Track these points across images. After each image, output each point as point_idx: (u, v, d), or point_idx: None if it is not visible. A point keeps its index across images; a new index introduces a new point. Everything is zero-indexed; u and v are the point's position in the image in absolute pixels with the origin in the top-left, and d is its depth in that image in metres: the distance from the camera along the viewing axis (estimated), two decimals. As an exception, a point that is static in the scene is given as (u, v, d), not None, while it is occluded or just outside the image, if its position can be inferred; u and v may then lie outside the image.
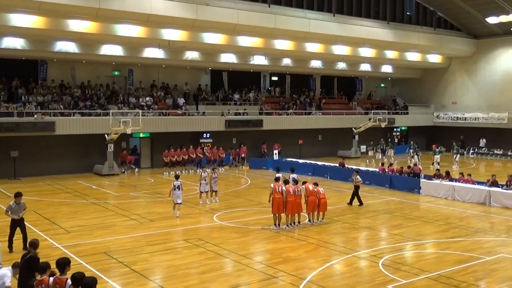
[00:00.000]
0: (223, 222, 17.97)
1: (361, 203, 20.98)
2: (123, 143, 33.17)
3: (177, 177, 19.53)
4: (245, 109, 38.83)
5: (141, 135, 34.03)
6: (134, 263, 13.08)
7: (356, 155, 41.15)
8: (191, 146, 33.02)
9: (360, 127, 40.73)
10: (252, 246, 14.99)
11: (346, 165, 29.29)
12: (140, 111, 31.50)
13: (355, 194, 21.10)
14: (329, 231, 16.80)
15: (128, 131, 29.67)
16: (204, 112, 36.43)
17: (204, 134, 35.77)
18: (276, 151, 36.21)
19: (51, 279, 7.61)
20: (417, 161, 34.30)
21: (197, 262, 13.18)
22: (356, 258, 13.71)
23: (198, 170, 32.34)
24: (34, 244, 9.39)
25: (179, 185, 19.01)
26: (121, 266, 12.84)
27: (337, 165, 30.12)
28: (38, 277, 7.89)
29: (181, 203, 19.02)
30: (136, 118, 30.46)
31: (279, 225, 16.92)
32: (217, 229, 16.99)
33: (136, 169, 31.82)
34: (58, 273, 7.79)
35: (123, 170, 31.59)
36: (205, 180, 21.08)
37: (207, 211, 20.07)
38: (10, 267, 9.24)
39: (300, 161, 33.91)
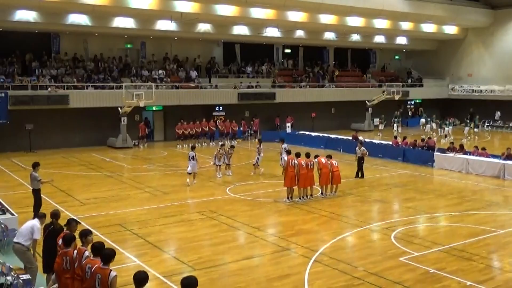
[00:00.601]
0: (236, 195, 18.08)
1: (362, 176, 21.01)
2: (137, 116, 33.28)
3: (193, 148, 20.43)
4: (257, 82, 38.62)
5: (154, 108, 34.08)
6: (148, 234, 13.24)
7: (369, 128, 40.88)
8: (204, 119, 33.04)
9: (373, 100, 40.38)
10: (265, 219, 15.08)
11: (359, 138, 29.17)
12: (153, 84, 31.50)
13: (361, 166, 21.11)
14: (342, 204, 16.85)
15: (141, 104, 29.73)
16: (216, 85, 36.31)
17: (217, 107, 35.72)
18: (289, 124, 36.12)
19: (75, 252, 7.72)
20: (448, 134, 34.44)
21: (210, 234, 13.31)
22: (368, 230, 13.75)
23: (211, 143, 32.47)
24: (56, 215, 9.53)
25: (193, 156, 19.50)
26: (136, 238, 13.01)
27: (350, 138, 30.00)
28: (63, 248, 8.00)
29: (195, 173, 19.60)
30: (149, 91, 30.46)
31: (291, 198, 16.98)
32: (230, 201, 17.10)
33: (141, 146, 31.56)
34: (80, 244, 7.91)
35: (136, 143, 31.74)
36: (221, 156, 21.32)
37: (220, 184, 20.18)
38: (37, 219, 9.40)
39: (313, 134, 33.81)
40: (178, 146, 31.36)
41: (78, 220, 9.41)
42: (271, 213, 15.73)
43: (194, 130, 32.01)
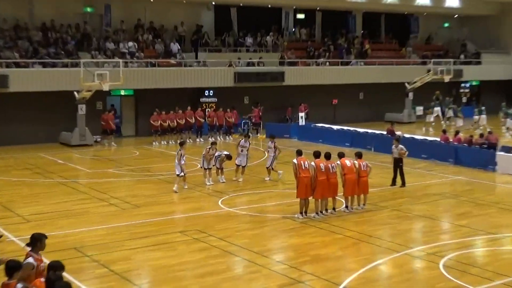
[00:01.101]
0: (231, 208, 18.01)
1: (402, 183, 21.04)
2: (99, 104, 33.27)
3: (181, 144, 20.64)
4: (260, 58, 38.59)
5: (123, 92, 34.04)
6: (114, 262, 13.17)
7: (410, 119, 40.84)
8: (189, 108, 33.02)
9: (415, 82, 40.32)
10: (270, 241, 15.00)
11: (397, 133, 29.10)
12: (120, 60, 31.45)
13: (398, 170, 21.09)
14: (373, 221, 16.79)
15: (105, 88, 29.67)
16: (205, 62, 36.27)
17: (206, 92, 35.70)
18: (302, 114, 36.03)
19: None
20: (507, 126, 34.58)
21: (197, 262, 13.24)
22: (408, 257, 13.68)
23: (197, 139, 32.44)
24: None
25: (181, 155, 20.07)
26: (97, 266, 12.94)
27: (384, 132, 29.91)
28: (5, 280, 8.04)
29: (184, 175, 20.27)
30: (116, 70, 30.40)
31: (306, 213, 16.92)
32: (223, 217, 17.03)
33: (106, 143, 31.46)
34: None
35: (99, 139, 31.65)
36: (211, 157, 21.37)
37: (210, 193, 20.08)
38: None
39: (335, 127, 33.74)
40: (154, 143, 31.31)
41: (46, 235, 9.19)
42: (278, 233, 15.65)
43: (175, 122, 32.00)
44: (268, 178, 22.11)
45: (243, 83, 36.07)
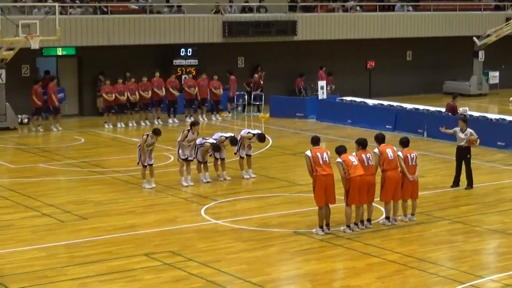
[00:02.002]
0: (219, 220, 18.06)
1: (469, 184, 21.01)
2: (25, 68, 33.30)
3: (156, 132, 21.15)
4: (261, 1, 38.53)
5: (60, 52, 34.06)
6: (50, 298, 13.26)
7: (480, 90, 40.98)
8: (157, 74, 32.93)
9: (488, 36, 40.27)
10: (276, 267, 15.06)
11: (461, 109, 29.08)
12: (56, 4, 31.33)
13: (464, 164, 21.05)
14: (426, 239, 16.85)
15: (34, 44, 29.58)
16: (181, 7, 36.26)
17: (182, 50, 35.77)
18: (323, 84, 35.92)
19: None
20: None
21: (171, 297, 13.33)
22: (477, 290, 13.81)
23: (170, 120, 32.40)
24: None
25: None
26: (26, 304, 13.01)
27: (443, 110, 29.94)
28: None
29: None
30: (50, 19, 30.43)
31: (328, 226, 17.00)
32: (208, 233, 17.08)
33: (39, 127, 31.53)
34: None
35: (26, 120, 31.59)
36: (191, 143, 21.51)
37: (188, 198, 20.16)
38: None
39: (370, 102, 33.80)
40: (106, 125, 31.37)
41: None
42: (288, 256, 15.69)
43: (137, 94, 31.97)
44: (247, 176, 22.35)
45: (236, 38, 36.12)
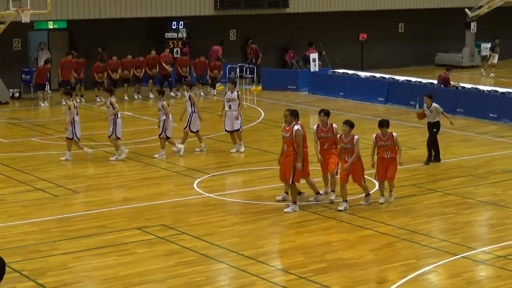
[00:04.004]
0: (212, 194, 18.08)
1: (436, 157, 20.85)
2: (16, 42, 33.20)
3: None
4: (253, -28, 38.39)
5: (51, 25, 33.91)
6: (43, 273, 13.24)
7: (473, 62, 40.99)
8: (153, 52, 32.74)
9: (480, 7, 40.20)
10: (269, 240, 15.14)
11: (453, 83, 29.10)
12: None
13: (431, 138, 20.83)
14: (418, 211, 16.89)
15: (25, 18, 29.43)
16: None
17: (173, 24, 35.67)
18: (314, 56, 35.90)
19: None
20: None
21: (163, 271, 13.36)
22: (469, 261, 13.82)
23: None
24: None
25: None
26: (18, 278, 12.97)
27: (435, 82, 29.97)
28: None
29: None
30: (40, -8, 30.29)
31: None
32: (200, 207, 17.13)
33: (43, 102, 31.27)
34: None
35: (17, 94, 31.49)
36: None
37: (180, 172, 20.19)
38: None
39: (362, 74, 33.80)
40: (98, 98, 31.19)
41: None
42: (281, 228, 15.77)
43: (131, 71, 31.87)
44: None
45: (228, 10, 35.99)
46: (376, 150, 17.19)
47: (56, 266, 13.59)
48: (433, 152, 20.96)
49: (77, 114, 21.29)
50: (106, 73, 31.68)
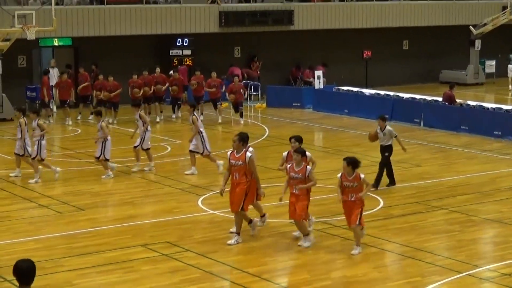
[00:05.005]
0: (216, 211, 18.10)
1: (391, 181, 20.20)
2: (21, 59, 33.31)
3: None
4: (258, -10, 38.55)
5: (56, 42, 34.02)
6: (48, 289, 13.27)
7: (476, 79, 40.94)
8: (158, 70, 32.06)
9: (484, 25, 40.25)
10: (273, 258, 15.11)
11: (459, 100, 29.09)
12: (52, -5, 31.34)
13: (383, 162, 20.15)
14: (423, 228, 16.89)
15: (30, 35, 29.53)
16: (177, -4, 36.23)
17: (179, 40, 35.79)
18: (319, 74, 35.91)
19: None
20: None
21: (168, 288, 13.36)
22: (474, 279, 13.80)
23: (173, 116, 32.01)
24: None
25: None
26: (23, 296, 13.00)
27: (440, 99, 29.98)
28: None
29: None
30: (46, 10, 30.37)
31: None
32: (205, 224, 17.16)
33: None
34: None
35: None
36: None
37: (185, 189, 20.23)
38: None
39: (367, 91, 33.83)
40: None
41: None
42: (285, 246, 15.73)
43: (141, 89, 30.73)
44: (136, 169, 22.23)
45: (233, 28, 36.09)
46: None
47: (61, 283, 13.61)
48: (388, 177, 20.29)
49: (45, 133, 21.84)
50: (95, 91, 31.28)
